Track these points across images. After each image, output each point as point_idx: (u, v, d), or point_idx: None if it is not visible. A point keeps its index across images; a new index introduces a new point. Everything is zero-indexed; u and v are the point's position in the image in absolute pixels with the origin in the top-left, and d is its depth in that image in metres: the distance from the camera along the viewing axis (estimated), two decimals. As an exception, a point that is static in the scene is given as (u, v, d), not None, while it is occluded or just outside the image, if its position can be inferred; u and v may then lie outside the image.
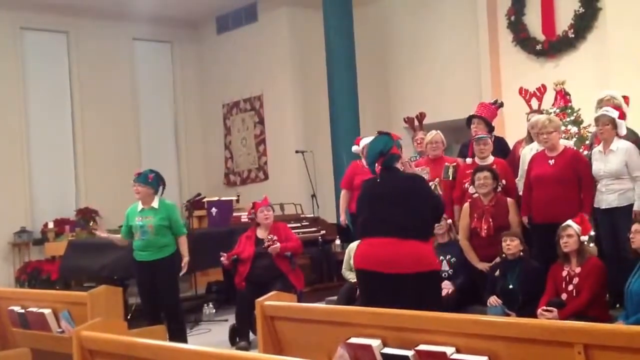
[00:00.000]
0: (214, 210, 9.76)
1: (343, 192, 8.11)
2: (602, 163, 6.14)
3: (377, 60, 12.11)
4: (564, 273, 5.77)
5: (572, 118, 7.60)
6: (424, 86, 11.46)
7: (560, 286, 5.76)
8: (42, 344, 5.24)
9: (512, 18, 10.30)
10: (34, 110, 12.24)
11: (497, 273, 6.27)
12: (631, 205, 5.99)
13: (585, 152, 6.70)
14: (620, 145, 6.08)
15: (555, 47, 9.85)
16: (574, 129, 7.53)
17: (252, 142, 13.26)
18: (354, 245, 7.34)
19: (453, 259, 6.76)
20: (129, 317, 7.54)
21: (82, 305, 4.90)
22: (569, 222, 5.79)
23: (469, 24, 10.85)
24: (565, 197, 6.21)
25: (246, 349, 6.70)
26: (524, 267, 6.12)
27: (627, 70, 8.87)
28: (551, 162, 6.34)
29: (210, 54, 13.89)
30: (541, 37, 10.02)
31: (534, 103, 8.13)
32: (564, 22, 9.79)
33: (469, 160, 7.21)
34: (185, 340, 6.81)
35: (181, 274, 6.90)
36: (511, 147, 7.62)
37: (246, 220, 9.14)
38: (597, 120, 6.28)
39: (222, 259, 7.32)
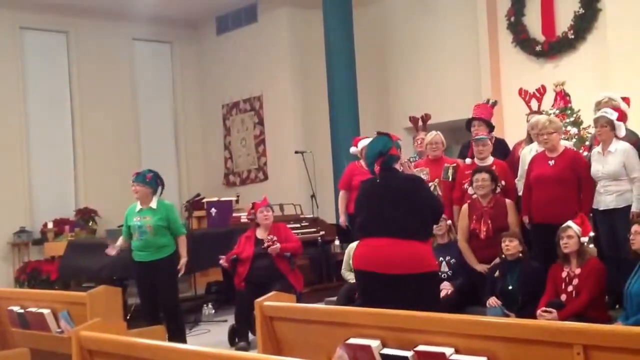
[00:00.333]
0: (213, 210, 9.76)
1: (341, 193, 8.12)
2: (601, 164, 6.15)
3: (377, 61, 12.11)
4: (564, 274, 5.77)
5: (572, 119, 7.61)
6: (424, 87, 11.46)
7: (559, 287, 5.76)
8: (41, 344, 5.25)
9: (512, 19, 10.30)
10: (34, 110, 12.23)
11: (496, 274, 6.27)
12: (629, 207, 5.99)
13: (585, 153, 6.71)
14: (619, 147, 6.09)
15: (555, 48, 9.85)
16: (573, 130, 7.53)
17: (251, 143, 13.26)
18: (353, 245, 7.33)
19: (452, 260, 6.76)
20: (128, 317, 7.54)
21: (82, 305, 4.91)
22: (569, 223, 5.80)
23: (469, 25, 10.85)
24: (565, 198, 6.22)
25: (245, 349, 6.70)
26: (523, 268, 6.13)
27: (627, 71, 8.87)
28: (551, 162, 6.35)
29: (210, 55, 13.89)
30: (541, 38, 10.02)
31: (534, 104, 8.14)
32: (563, 23, 9.79)
33: (468, 160, 7.21)
34: (184, 341, 6.81)
35: (179, 275, 6.89)
36: (511, 148, 7.63)
37: (246, 220, 9.16)
38: (595, 121, 6.30)
39: (220, 261, 7.34)
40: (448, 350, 3.08)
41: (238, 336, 7.04)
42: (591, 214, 6.29)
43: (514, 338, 2.95)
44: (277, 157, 12.69)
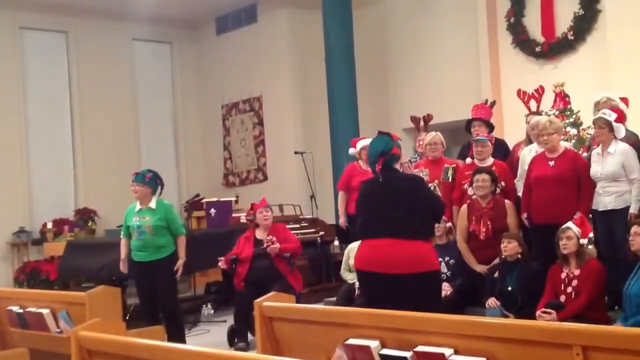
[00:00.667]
0: (212, 211, 9.76)
1: (341, 194, 8.12)
2: (600, 165, 6.15)
3: (376, 61, 12.11)
4: (563, 275, 5.77)
5: (572, 120, 7.61)
6: (424, 88, 11.46)
7: (559, 288, 5.76)
8: (40, 344, 5.24)
9: (512, 20, 10.31)
10: (33, 110, 12.23)
11: (496, 274, 6.28)
12: (628, 208, 5.99)
13: (585, 154, 6.71)
14: (618, 148, 6.09)
15: (554, 49, 9.85)
16: (573, 131, 7.54)
17: (251, 143, 13.26)
18: (352, 246, 7.35)
19: (451, 261, 6.76)
20: (127, 317, 7.53)
21: (81, 305, 4.90)
22: (569, 224, 5.80)
23: (469, 26, 10.85)
24: (565, 198, 6.21)
25: (245, 349, 6.70)
26: (522, 269, 6.13)
27: (626, 72, 8.87)
28: (551, 163, 6.35)
29: (210, 55, 13.89)
30: (541, 39, 10.03)
31: (533, 105, 8.14)
32: (563, 24, 9.80)
33: (468, 160, 7.21)
34: (183, 341, 6.80)
35: (176, 276, 6.89)
36: (511, 148, 7.63)
37: (245, 221, 9.15)
38: (594, 123, 6.30)
39: (219, 264, 7.34)
40: (447, 351, 3.08)
41: (237, 336, 7.04)
42: (590, 215, 6.30)
43: (513, 339, 2.95)
44: (276, 158, 12.69)
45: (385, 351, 3.29)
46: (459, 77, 10.95)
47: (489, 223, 6.58)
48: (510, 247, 6.16)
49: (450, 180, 7.10)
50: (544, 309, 5.62)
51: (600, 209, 6.16)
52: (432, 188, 6.80)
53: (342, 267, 7.55)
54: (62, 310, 5.06)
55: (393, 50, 12.02)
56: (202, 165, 14.07)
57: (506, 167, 7.06)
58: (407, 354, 3.17)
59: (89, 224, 12.05)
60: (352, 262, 7.18)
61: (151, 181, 6.83)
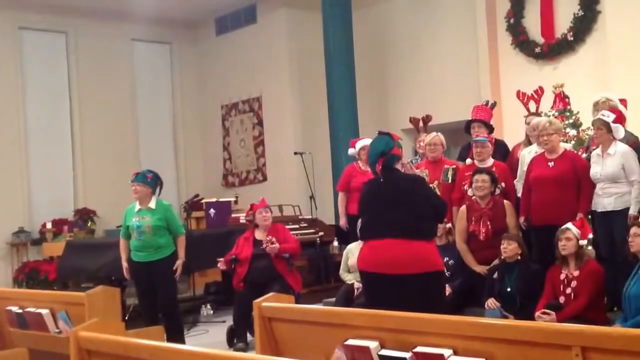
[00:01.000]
0: (212, 211, 9.76)
1: (341, 195, 8.11)
2: (600, 166, 6.15)
3: (376, 62, 12.11)
4: (562, 276, 5.76)
5: (571, 121, 7.61)
6: (423, 88, 11.46)
7: (558, 289, 5.76)
8: (39, 344, 5.24)
9: (511, 20, 10.30)
10: (33, 111, 12.22)
11: (495, 275, 6.27)
12: (627, 209, 5.99)
13: (584, 155, 6.71)
14: (618, 149, 6.09)
15: (554, 49, 9.85)
16: (572, 132, 7.54)
17: (250, 144, 13.25)
18: (351, 246, 7.35)
19: (451, 262, 6.76)
20: (126, 317, 7.53)
21: (80, 305, 4.90)
22: (569, 225, 5.79)
23: (468, 27, 10.85)
24: (564, 200, 6.22)
25: (244, 350, 6.70)
26: (522, 270, 6.12)
27: (626, 73, 8.87)
28: (551, 164, 6.36)
29: (209, 55, 13.88)
30: (540, 39, 10.03)
31: (532, 106, 8.14)
32: (563, 25, 9.80)
33: (468, 161, 7.20)
34: (182, 341, 6.79)
35: (175, 276, 6.89)
36: (510, 149, 7.63)
37: (244, 221, 9.15)
38: (593, 124, 6.30)
39: (218, 264, 7.33)
40: (446, 352, 3.07)
41: (236, 337, 7.04)
42: (589, 216, 6.30)
43: (512, 340, 2.95)
44: (276, 158, 12.69)
45: (384, 352, 3.28)
46: (459, 78, 10.95)
47: (488, 223, 6.58)
48: (510, 249, 6.16)
49: (450, 181, 7.09)
50: (543, 310, 5.62)
51: (600, 210, 6.16)
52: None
53: (341, 267, 7.55)
54: (61, 311, 5.05)
55: (393, 51, 12.02)
56: (201, 165, 14.06)
57: (506, 168, 7.06)
58: (406, 355, 3.17)
59: (88, 224, 12.05)
60: (350, 262, 7.19)
61: (152, 181, 6.84)
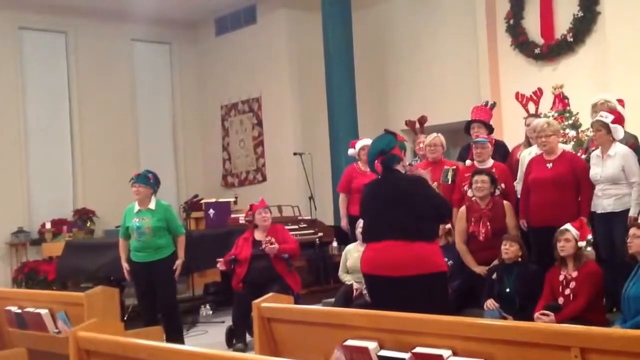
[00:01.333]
0: (211, 211, 9.76)
1: (341, 197, 8.10)
2: (600, 167, 6.15)
3: (375, 63, 12.11)
4: (561, 277, 5.76)
5: (571, 122, 7.61)
6: (423, 89, 11.46)
7: (557, 290, 5.76)
8: (38, 344, 5.23)
9: (511, 21, 10.31)
10: (32, 111, 12.22)
11: (494, 276, 6.27)
12: (627, 211, 5.99)
13: (583, 156, 6.70)
14: (618, 150, 6.08)
15: (554, 50, 9.85)
16: (572, 133, 7.53)
17: (250, 144, 13.25)
18: (350, 247, 7.35)
19: (450, 262, 6.74)
20: (125, 318, 7.53)
21: (79, 305, 4.89)
22: (567, 226, 5.79)
23: (468, 28, 10.85)
24: (563, 201, 6.22)
25: (243, 350, 6.70)
26: (521, 271, 6.12)
27: (625, 74, 8.87)
28: (549, 165, 6.35)
29: (209, 56, 13.88)
30: (540, 40, 10.03)
31: (531, 107, 8.13)
32: (562, 25, 9.80)
33: (468, 162, 7.20)
34: (182, 342, 6.79)
35: (174, 276, 6.89)
36: (510, 150, 7.63)
37: (244, 222, 9.15)
38: (592, 125, 6.30)
39: (218, 265, 7.34)
40: (445, 353, 3.07)
41: (235, 337, 7.04)
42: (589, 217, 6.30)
43: (511, 340, 2.94)
44: (275, 159, 12.68)
45: (383, 352, 3.28)
46: (458, 79, 10.94)
47: (488, 224, 6.58)
48: (512, 250, 6.15)
49: (450, 182, 7.09)
50: (542, 311, 5.62)
51: (599, 211, 6.16)
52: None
53: (340, 268, 7.53)
54: (60, 311, 5.05)
55: (392, 52, 12.02)
56: (201, 165, 14.06)
57: (506, 169, 7.06)
58: (406, 355, 3.17)
59: (88, 224, 12.05)
60: (349, 263, 7.19)
61: (154, 182, 6.85)
